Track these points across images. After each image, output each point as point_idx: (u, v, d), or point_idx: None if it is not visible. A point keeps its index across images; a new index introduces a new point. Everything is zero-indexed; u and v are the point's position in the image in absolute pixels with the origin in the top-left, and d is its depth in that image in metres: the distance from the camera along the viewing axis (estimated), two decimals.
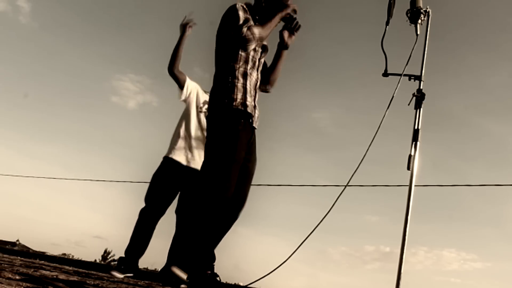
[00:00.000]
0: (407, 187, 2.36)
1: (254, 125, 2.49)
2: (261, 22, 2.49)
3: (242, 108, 2.38)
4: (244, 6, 2.48)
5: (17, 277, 1.98)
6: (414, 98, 2.52)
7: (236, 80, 2.40)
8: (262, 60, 2.63)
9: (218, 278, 2.44)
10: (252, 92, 2.45)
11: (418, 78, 2.57)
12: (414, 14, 2.65)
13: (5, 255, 4.94)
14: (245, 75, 2.42)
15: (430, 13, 2.66)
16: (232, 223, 2.51)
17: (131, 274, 3.27)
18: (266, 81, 2.69)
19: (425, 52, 2.60)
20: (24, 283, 1.78)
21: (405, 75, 2.58)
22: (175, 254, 2.69)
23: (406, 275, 2.18)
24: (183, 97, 3.42)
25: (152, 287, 2.66)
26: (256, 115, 2.50)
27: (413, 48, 2.61)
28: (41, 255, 6.25)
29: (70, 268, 3.84)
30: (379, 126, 2.55)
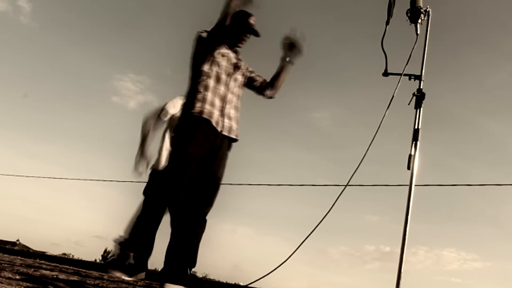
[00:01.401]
0: (407, 187, 2.36)
1: (224, 132, 2.66)
2: (230, 44, 2.79)
3: (199, 115, 2.59)
4: (204, 35, 2.71)
5: (17, 277, 1.98)
6: (414, 97, 2.52)
7: (197, 92, 2.64)
8: (238, 77, 2.81)
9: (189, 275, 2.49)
10: (216, 103, 2.66)
11: (418, 77, 2.57)
12: (414, 13, 2.65)
13: (5, 255, 4.94)
14: (206, 88, 2.65)
15: (430, 12, 2.66)
16: (199, 225, 2.56)
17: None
18: (271, 86, 2.95)
19: (425, 51, 2.60)
20: (24, 283, 1.77)
21: (405, 74, 2.58)
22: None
23: (406, 274, 2.18)
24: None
25: (152, 287, 2.66)
26: (227, 124, 2.68)
27: (413, 48, 2.61)
28: (41, 255, 6.26)
29: (70, 268, 3.84)
30: (379, 126, 2.55)
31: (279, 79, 2.91)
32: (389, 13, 2.65)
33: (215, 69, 2.69)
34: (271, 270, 2.56)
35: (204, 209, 2.57)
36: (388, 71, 2.63)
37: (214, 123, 2.60)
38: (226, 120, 2.68)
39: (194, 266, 2.56)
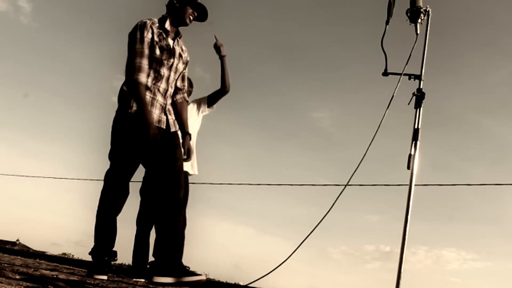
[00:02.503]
0: (407, 186, 2.37)
1: (171, 129, 2.64)
2: (175, 22, 2.72)
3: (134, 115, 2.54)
4: (149, 24, 2.61)
5: (17, 277, 1.98)
6: (414, 97, 2.52)
7: None
8: (179, 67, 2.74)
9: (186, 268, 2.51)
10: (158, 99, 2.60)
11: (418, 77, 2.57)
12: (414, 13, 2.65)
13: (5, 255, 4.94)
14: (147, 88, 2.56)
15: (430, 12, 2.66)
16: (177, 214, 2.52)
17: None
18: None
19: (425, 51, 2.60)
20: (24, 283, 1.77)
21: (405, 74, 2.58)
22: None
23: (406, 274, 2.19)
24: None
25: (152, 286, 2.66)
26: (170, 120, 2.66)
27: (413, 48, 2.61)
28: (41, 255, 6.26)
29: (70, 268, 3.84)
30: (379, 126, 2.55)
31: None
32: (389, 13, 2.65)
33: (155, 65, 2.58)
34: (272, 269, 2.56)
35: (178, 193, 2.53)
36: (388, 71, 2.63)
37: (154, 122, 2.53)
38: (168, 117, 2.65)
39: (179, 257, 2.54)
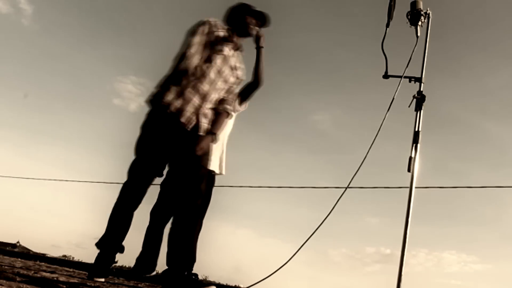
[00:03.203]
0: (408, 189, 2.36)
1: (199, 132, 2.56)
2: (239, 32, 2.71)
3: (166, 108, 2.48)
4: (208, 23, 2.61)
5: (18, 279, 1.98)
6: (415, 100, 2.52)
7: (175, 84, 2.52)
8: (230, 79, 2.69)
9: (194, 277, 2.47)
10: (194, 99, 2.51)
11: (419, 80, 2.57)
12: (414, 16, 2.66)
13: (5, 257, 4.93)
14: (187, 81, 2.52)
15: (430, 15, 2.67)
16: (189, 219, 2.50)
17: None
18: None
19: (426, 54, 2.61)
20: (24, 285, 1.77)
21: (405, 77, 2.58)
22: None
23: (406, 277, 2.18)
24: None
25: None
26: (201, 124, 2.56)
27: (413, 50, 2.62)
28: (42, 257, 6.25)
29: (71, 270, 3.83)
30: (380, 128, 2.55)
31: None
32: (389, 16, 2.65)
33: (206, 64, 2.55)
34: (272, 272, 2.56)
35: (195, 202, 2.50)
36: (389, 74, 2.63)
37: (184, 120, 2.48)
38: (201, 120, 2.56)
39: (191, 266, 2.50)
